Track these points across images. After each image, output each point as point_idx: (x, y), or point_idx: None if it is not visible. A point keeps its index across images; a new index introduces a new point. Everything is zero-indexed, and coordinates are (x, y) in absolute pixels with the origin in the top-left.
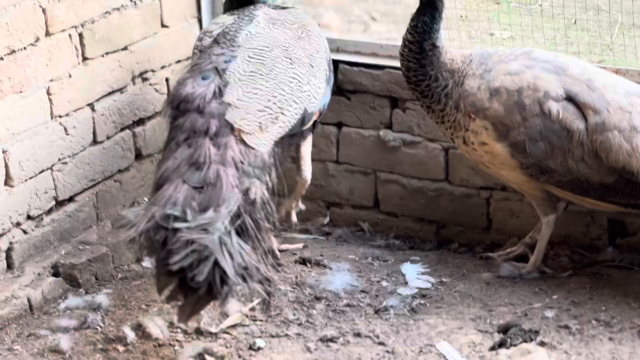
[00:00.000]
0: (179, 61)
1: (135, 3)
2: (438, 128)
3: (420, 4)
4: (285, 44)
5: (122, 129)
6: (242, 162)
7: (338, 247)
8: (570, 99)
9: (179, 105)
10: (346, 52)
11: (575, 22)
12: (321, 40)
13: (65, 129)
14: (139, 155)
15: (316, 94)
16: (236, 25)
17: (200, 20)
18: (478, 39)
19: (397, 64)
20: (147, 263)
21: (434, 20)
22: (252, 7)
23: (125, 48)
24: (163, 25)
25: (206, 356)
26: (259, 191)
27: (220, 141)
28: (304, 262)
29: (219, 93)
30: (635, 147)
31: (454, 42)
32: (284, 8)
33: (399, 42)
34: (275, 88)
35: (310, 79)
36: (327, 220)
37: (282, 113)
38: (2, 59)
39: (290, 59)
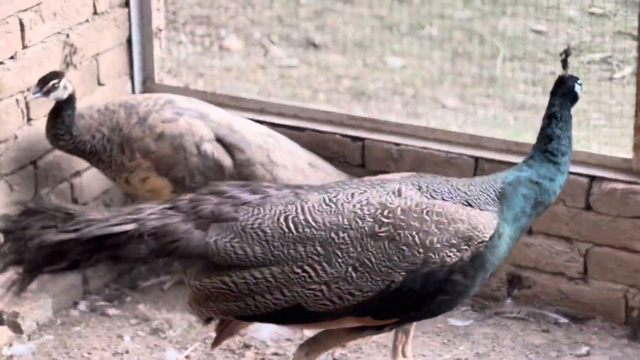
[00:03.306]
0: None
1: (75, 66)
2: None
3: None
4: None
5: (61, 182)
6: None
7: None
8: (219, 140)
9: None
10: (269, 113)
11: (461, 52)
12: None
13: (10, 186)
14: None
15: None
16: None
17: (132, 77)
18: (373, 67)
19: (316, 126)
20: (84, 307)
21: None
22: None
23: None
24: (99, 84)
25: None
26: None
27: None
28: None
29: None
30: (276, 176)
31: (351, 69)
32: None
33: (318, 107)
34: None
35: None
36: None
37: None
38: None
39: None
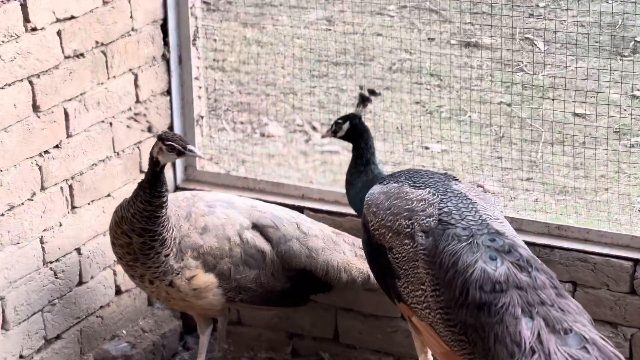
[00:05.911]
0: None
1: (118, 154)
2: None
3: None
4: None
5: (105, 269)
6: (587, 317)
7: None
8: (254, 225)
9: (494, 288)
10: (311, 199)
11: (502, 137)
12: None
13: (55, 273)
14: (118, 292)
15: None
16: (454, 205)
17: (174, 165)
18: (414, 153)
19: None
20: None
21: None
22: (445, 181)
23: (108, 195)
24: (141, 171)
25: None
26: None
27: (562, 305)
28: None
29: (519, 268)
30: (310, 247)
31: (393, 154)
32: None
33: None
34: None
35: None
36: (289, 349)
37: None
38: (2, 215)
39: None
